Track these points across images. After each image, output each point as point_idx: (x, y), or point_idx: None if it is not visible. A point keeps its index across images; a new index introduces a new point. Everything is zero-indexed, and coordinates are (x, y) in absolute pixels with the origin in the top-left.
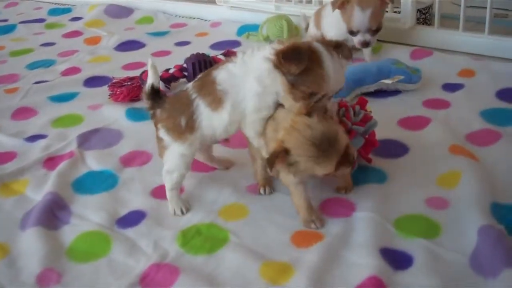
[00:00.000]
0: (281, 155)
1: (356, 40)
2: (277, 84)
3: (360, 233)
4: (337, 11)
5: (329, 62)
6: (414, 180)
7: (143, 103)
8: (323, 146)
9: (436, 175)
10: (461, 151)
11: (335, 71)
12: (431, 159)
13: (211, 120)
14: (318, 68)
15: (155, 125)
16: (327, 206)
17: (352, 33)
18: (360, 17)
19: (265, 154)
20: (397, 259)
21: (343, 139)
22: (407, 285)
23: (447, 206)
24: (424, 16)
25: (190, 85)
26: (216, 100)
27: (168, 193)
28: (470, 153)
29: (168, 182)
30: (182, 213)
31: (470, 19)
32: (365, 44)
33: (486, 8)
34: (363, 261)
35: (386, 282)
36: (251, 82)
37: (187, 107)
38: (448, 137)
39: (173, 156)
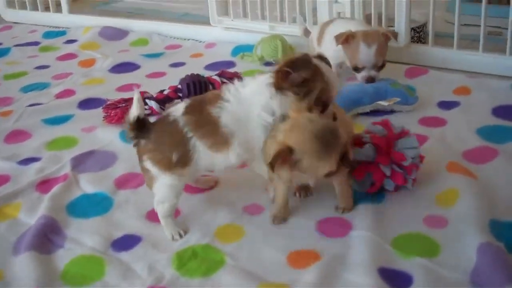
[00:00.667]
0: (283, 155)
1: (360, 76)
2: (285, 106)
3: (358, 252)
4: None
5: (326, 68)
6: (412, 199)
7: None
8: (325, 139)
9: (434, 194)
10: (458, 169)
11: (333, 77)
12: (429, 178)
13: (213, 159)
14: (321, 76)
15: (139, 155)
16: (324, 225)
17: (356, 69)
18: (366, 53)
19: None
20: (397, 279)
21: (343, 135)
22: None
23: (446, 225)
24: (419, 35)
25: (179, 116)
26: (220, 142)
27: (162, 221)
28: (468, 171)
29: (160, 211)
30: (180, 236)
31: (465, 37)
32: (370, 79)
33: (479, 26)
34: (362, 281)
35: None
36: (257, 116)
37: (181, 144)
38: (445, 155)
39: (163, 187)
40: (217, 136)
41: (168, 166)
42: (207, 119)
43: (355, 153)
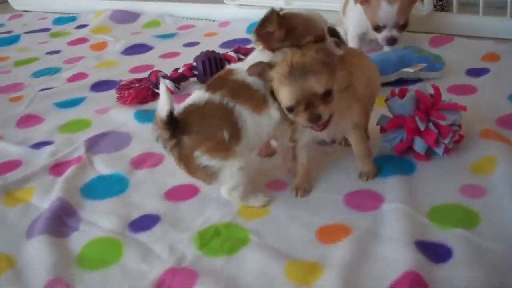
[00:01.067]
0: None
1: (381, 36)
2: None
3: (391, 226)
4: (359, 6)
5: (305, 12)
6: (445, 169)
7: (152, 105)
8: (294, 71)
9: (469, 162)
10: (493, 135)
11: (315, 13)
12: (462, 146)
13: (259, 124)
14: (301, 19)
15: (185, 156)
16: (352, 199)
17: (377, 28)
18: (387, 10)
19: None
20: (435, 252)
21: (318, 85)
22: (449, 278)
23: (484, 194)
24: (441, 3)
25: (210, 96)
26: (260, 103)
27: (242, 203)
28: (504, 137)
29: (238, 197)
30: (269, 199)
31: (489, 5)
32: (392, 40)
33: None
34: (397, 256)
35: (425, 276)
36: None
37: (226, 119)
38: (478, 123)
39: (231, 174)
40: (254, 98)
41: (225, 151)
42: (239, 86)
43: (392, 103)
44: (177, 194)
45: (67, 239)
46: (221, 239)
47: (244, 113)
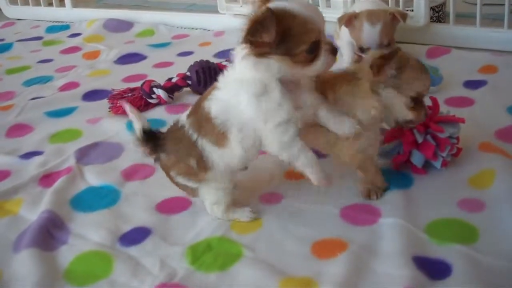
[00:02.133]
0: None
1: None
2: (273, 69)
3: (389, 241)
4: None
5: (301, 8)
6: (443, 183)
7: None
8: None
9: (467, 176)
10: (492, 148)
11: (310, 8)
12: (460, 159)
13: (224, 158)
14: (294, 20)
15: (166, 172)
16: (349, 213)
17: (362, 50)
18: (370, 32)
19: (300, 166)
20: (434, 268)
21: None
22: None
23: (483, 208)
24: (438, 14)
25: (184, 120)
26: (220, 136)
27: (226, 218)
28: (503, 150)
29: (219, 213)
30: (253, 214)
31: (485, 17)
32: None
33: (500, 5)
34: (395, 272)
35: None
36: (244, 92)
37: (192, 148)
38: (477, 135)
39: (209, 193)
40: (215, 131)
41: (196, 176)
42: (203, 115)
43: None
44: (169, 206)
45: (55, 252)
46: (214, 254)
47: (207, 146)
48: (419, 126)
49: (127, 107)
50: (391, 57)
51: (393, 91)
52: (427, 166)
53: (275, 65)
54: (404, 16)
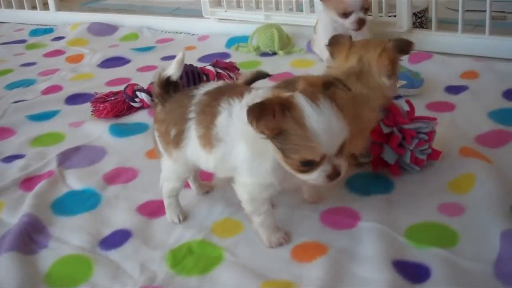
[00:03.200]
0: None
1: (350, 20)
2: (268, 151)
3: (368, 245)
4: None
5: (313, 115)
6: (423, 187)
7: (128, 119)
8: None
9: (448, 180)
10: (472, 153)
11: (326, 125)
12: (441, 164)
13: (197, 152)
14: (298, 127)
15: (153, 121)
16: (329, 217)
17: (345, 14)
18: None
19: (256, 223)
20: (413, 272)
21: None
22: None
23: (463, 212)
24: (420, 20)
25: (198, 94)
26: (207, 138)
27: (165, 201)
28: (482, 155)
29: (164, 189)
30: (179, 220)
31: (468, 23)
32: (362, 22)
33: (482, 11)
34: (374, 276)
35: None
36: (240, 144)
37: (180, 121)
38: (457, 140)
39: (165, 166)
40: (208, 131)
41: (166, 143)
42: (212, 109)
43: None
44: (150, 209)
45: (36, 256)
46: (194, 258)
47: (192, 132)
48: (386, 120)
49: (181, 53)
50: (394, 45)
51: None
52: (405, 170)
53: (271, 150)
54: None
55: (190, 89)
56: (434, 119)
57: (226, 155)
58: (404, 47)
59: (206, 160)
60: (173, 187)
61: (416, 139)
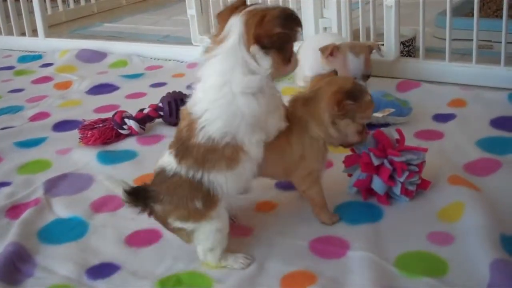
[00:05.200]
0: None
1: None
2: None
3: (357, 274)
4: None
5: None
6: (413, 216)
7: (116, 146)
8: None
9: (437, 209)
10: (461, 181)
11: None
12: (429, 192)
13: (235, 180)
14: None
15: (161, 221)
16: (318, 245)
17: None
18: (355, 63)
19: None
20: None
21: None
22: None
23: (452, 241)
24: (408, 49)
25: (177, 166)
26: (230, 158)
27: (218, 265)
28: (471, 184)
29: (213, 259)
30: (248, 259)
31: (455, 52)
32: None
33: (469, 40)
34: None
35: None
36: (238, 93)
37: (196, 190)
38: (446, 168)
39: (209, 234)
40: (223, 154)
41: (199, 216)
42: (203, 150)
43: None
44: (139, 239)
45: (21, 286)
46: None
47: (217, 177)
48: (376, 151)
49: (102, 179)
50: (348, 89)
51: (349, 121)
52: (394, 199)
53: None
54: (378, 47)
55: (158, 176)
56: (425, 150)
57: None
58: (355, 94)
59: (246, 172)
60: (222, 248)
61: (407, 172)
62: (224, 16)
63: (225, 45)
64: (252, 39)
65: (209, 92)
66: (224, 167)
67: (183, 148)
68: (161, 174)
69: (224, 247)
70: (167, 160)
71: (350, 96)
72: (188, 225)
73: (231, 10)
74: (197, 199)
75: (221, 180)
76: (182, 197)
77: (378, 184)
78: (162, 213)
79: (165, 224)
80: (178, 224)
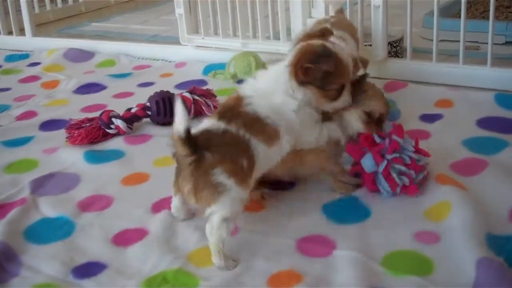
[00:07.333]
0: None
1: None
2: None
3: (344, 273)
4: None
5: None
6: (399, 215)
7: (103, 145)
8: None
9: (423, 208)
10: (448, 180)
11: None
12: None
13: (269, 155)
14: (339, 61)
15: (205, 169)
16: (305, 244)
17: None
18: None
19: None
20: None
21: None
22: None
23: (439, 240)
24: (395, 50)
25: (226, 126)
26: (271, 134)
27: (219, 245)
28: (458, 183)
29: (224, 231)
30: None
31: (442, 52)
32: None
33: (456, 41)
34: None
35: None
36: (281, 104)
37: (244, 149)
38: (432, 168)
39: (234, 202)
40: (265, 129)
41: (242, 177)
42: (250, 118)
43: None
44: (125, 238)
45: (6, 285)
46: (169, 287)
47: (258, 145)
48: (382, 133)
49: (179, 103)
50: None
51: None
52: (383, 197)
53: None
54: (365, 63)
55: (206, 132)
56: (428, 155)
57: (288, 128)
58: (317, 57)
59: (280, 149)
60: (234, 224)
61: (397, 154)
62: (301, 40)
63: (281, 63)
64: (293, 70)
65: (259, 89)
66: (262, 140)
67: (231, 113)
68: (205, 133)
69: (236, 223)
70: (209, 123)
71: (312, 59)
72: (229, 182)
73: (308, 37)
74: (244, 157)
75: (260, 149)
76: (233, 151)
77: (368, 160)
78: (212, 161)
79: (203, 177)
80: (221, 178)
